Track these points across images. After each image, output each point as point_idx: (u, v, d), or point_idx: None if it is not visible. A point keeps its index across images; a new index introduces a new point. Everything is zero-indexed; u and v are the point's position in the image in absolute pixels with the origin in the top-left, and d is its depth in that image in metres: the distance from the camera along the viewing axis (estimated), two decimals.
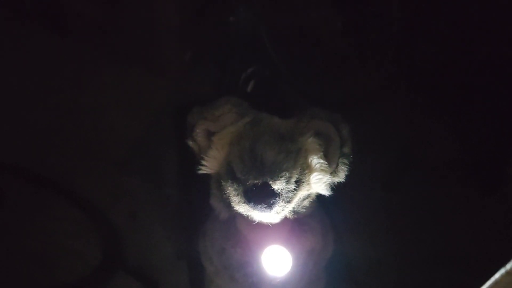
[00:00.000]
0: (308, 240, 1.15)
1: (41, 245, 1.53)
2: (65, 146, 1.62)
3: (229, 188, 1.00)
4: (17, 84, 1.62)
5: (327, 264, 1.27)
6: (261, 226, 1.04)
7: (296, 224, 1.13)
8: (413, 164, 1.64)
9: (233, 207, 1.02)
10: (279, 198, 0.97)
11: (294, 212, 1.05)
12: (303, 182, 1.01)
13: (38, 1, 1.66)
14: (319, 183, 1.03)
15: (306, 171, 1.00)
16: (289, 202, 1.00)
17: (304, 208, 1.07)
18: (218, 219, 1.11)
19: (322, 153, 1.03)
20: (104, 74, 1.67)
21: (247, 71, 1.53)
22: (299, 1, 1.66)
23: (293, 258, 1.09)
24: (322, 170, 1.02)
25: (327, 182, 1.04)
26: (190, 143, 1.08)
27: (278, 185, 0.96)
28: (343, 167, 1.05)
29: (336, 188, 1.07)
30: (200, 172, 1.06)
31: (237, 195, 0.99)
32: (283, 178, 0.96)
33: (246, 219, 1.04)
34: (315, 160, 1.01)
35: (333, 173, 1.05)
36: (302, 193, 1.03)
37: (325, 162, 1.03)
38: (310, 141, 1.01)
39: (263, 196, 0.96)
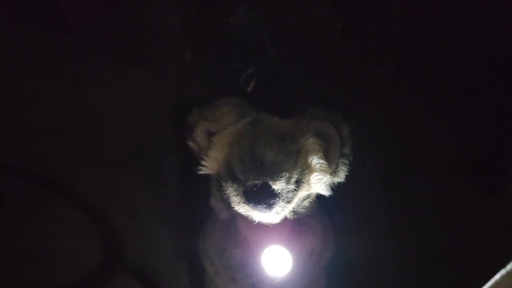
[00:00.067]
0: (308, 241, 1.16)
1: (41, 245, 1.53)
2: (65, 146, 1.62)
3: (229, 188, 1.00)
4: (17, 84, 1.61)
5: (327, 264, 1.27)
6: (261, 226, 1.05)
7: (296, 225, 1.13)
8: (414, 164, 1.64)
9: (233, 207, 1.02)
10: (279, 199, 0.97)
11: (294, 212, 1.05)
12: (303, 182, 1.01)
13: (38, 1, 1.66)
14: (319, 183, 1.03)
15: (306, 171, 1.01)
16: (289, 202, 1.00)
17: (304, 208, 1.07)
18: (218, 219, 1.11)
19: (322, 153, 1.03)
20: (104, 74, 1.67)
21: (247, 71, 1.53)
22: (299, 1, 1.66)
23: (293, 258, 1.09)
24: (322, 170, 1.02)
25: (327, 182, 1.04)
26: (190, 143, 1.08)
27: (278, 186, 0.96)
28: (343, 167, 1.05)
29: (336, 188, 1.07)
30: (200, 172, 1.06)
31: (237, 195, 0.99)
32: (283, 178, 0.96)
33: (246, 220, 1.04)
34: (315, 160, 1.01)
35: (333, 173, 1.05)
36: (302, 193, 1.03)
37: (325, 162, 1.03)
38: (310, 141, 1.01)
39: (263, 196, 0.96)
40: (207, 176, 1.08)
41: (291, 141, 0.99)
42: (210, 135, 1.06)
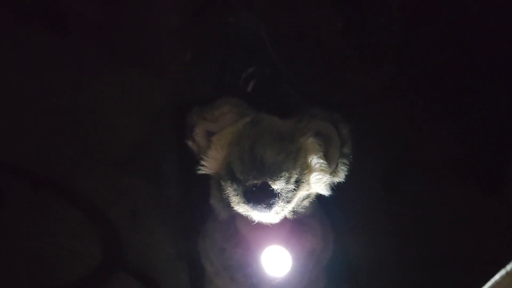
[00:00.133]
0: (308, 241, 1.16)
1: (41, 245, 1.53)
2: (65, 146, 1.62)
3: (228, 188, 1.00)
4: (17, 84, 1.61)
5: (327, 264, 1.27)
6: (260, 226, 1.05)
7: (296, 224, 1.13)
8: (414, 164, 1.64)
9: (233, 207, 1.02)
10: (279, 198, 0.97)
11: (294, 212, 1.05)
12: (303, 182, 1.01)
13: (38, 1, 1.66)
14: (319, 183, 1.03)
15: (306, 171, 1.01)
16: (288, 202, 1.00)
17: (304, 208, 1.07)
18: (218, 219, 1.11)
19: (322, 153, 1.03)
20: (104, 74, 1.67)
21: (247, 71, 1.53)
22: (299, 1, 1.66)
23: (293, 258, 1.09)
24: (322, 170, 1.02)
25: (327, 182, 1.04)
26: (190, 143, 1.08)
27: (277, 185, 0.96)
28: (343, 167, 1.05)
29: (336, 188, 1.07)
30: (200, 172, 1.06)
31: (237, 195, 0.99)
32: (282, 178, 0.96)
33: (246, 220, 1.04)
34: (315, 160, 1.01)
35: (333, 173, 1.05)
36: (302, 193, 1.03)
37: (325, 162, 1.03)
38: (310, 141, 1.01)
39: (262, 196, 0.96)
40: (206, 176, 1.08)
41: (291, 141, 0.99)
42: (209, 135, 1.06)
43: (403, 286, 1.52)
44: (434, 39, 1.59)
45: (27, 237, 1.53)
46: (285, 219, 1.06)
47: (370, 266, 1.54)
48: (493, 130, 1.60)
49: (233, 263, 1.16)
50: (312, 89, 1.61)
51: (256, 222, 1.03)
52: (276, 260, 1.09)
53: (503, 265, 0.77)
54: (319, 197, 1.09)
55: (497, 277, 0.78)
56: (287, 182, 0.97)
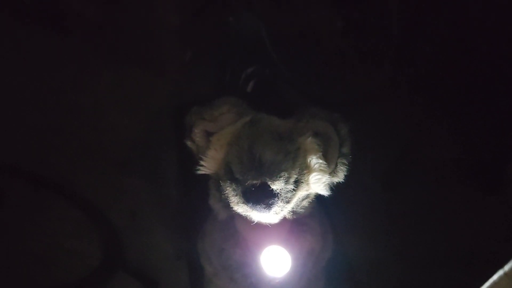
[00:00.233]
0: (307, 241, 1.16)
1: (41, 245, 1.53)
2: (65, 146, 1.62)
3: (228, 188, 1.00)
4: (17, 84, 1.61)
5: (327, 264, 1.27)
6: (260, 226, 1.04)
7: (295, 225, 1.13)
8: (413, 164, 1.64)
9: (232, 207, 1.02)
10: (278, 199, 0.97)
11: (293, 212, 1.05)
12: (302, 182, 1.01)
13: (38, 1, 1.66)
14: (318, 183, 1.03)
15: (305, 171, 1.01)
16: (288, 202, 1.00)
17: (303, 208, 1.07)
18: (217, 219, 1.11)
19: (321, 153, 1.03)
20: (104, 74, 1.67)
21: (247, 71, 1.53)
22: (299, 1, 1.66)
23: (292, 258, 1.09)
24: (321, 170, 1.02)
25: (326, 182, 1.04)
26: (189, 143, 1.08)
27: (276, 185, 0.96)
28: (342, 167, 1.05)
29: (335, 188, 1.06)
30: (199, 172, 1.06)
31: (236, 195, 0.99)
32: (281, 178, 0.96)
33: (245, 220, 1.04)
34: (314, 160, 1.01)
35: (332, 173, 1.05)
36: (301, 193, 1.03)
37: (324, 162, 1.03)
38: (309, 141, 1.01)
39: (261, 196, 0.96)
40: (206, 176, 1.08)
41: (290, 141, 0.98)
42: (208, 135, 1.06)
43: (402, 286, 1.52)
44: (434, 39, 1.59)
45: (27, 237, 1.53)
46: (284, 219, 1.06)
47: (370, 266, 1.54)
48: (493, 130, 1.59)
49: (232, 263, 1.16)
50: (311, 89, 1.61)
51: (255, 222, 1.03)
52: (275, 260, 1.08)
53: (501, 266, 0.77)
54: (318, 197, 1.08)
55: (495, 277, 0.78)
56: (286, 182, 0.97)
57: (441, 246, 1.53)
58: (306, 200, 1.06)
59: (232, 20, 1.55)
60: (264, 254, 1.09)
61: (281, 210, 1.00)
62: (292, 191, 0.99)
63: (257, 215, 1.01)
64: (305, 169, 1.00)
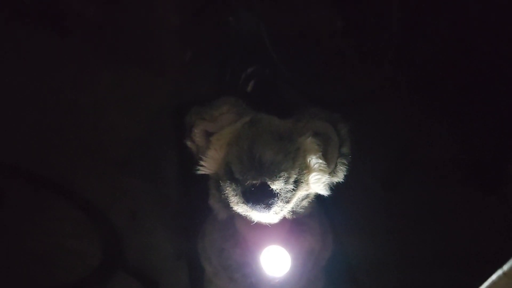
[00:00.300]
0: (307, 240, 1.15)
1: (41, 245, 1.53)
2: (65, 146, 1.62)
3: (227, 188, 1.00)
4: (17, 84, 1.62)
5: (327, 264, 1.27)
6: (259, 226, 1.04)
7: (295, 224, 1.13)
8: (413, 164, 1.64)
9: (232, 207, 1.02)
10: (278, 198, 0.97)
11: (293, 212, 1.05)
12: (301, 182, 1.01)
13: (38, 1, 1.66)
14: (318, 183, 1.03)
15: (304, 171, 1.00)
16: (287, 202, 1.00)
17: (303, 208, 1.07)
18: (217, 219, 1.11)
19: (321, 153, 1.03)
20: (104, 74, 1.67)
21: (247, 71, 1.53)
22: (299, 1, 1.66)
23: (292, 258, 1.09)
24: (321, 170, 1.02)
25: (326, 182, 1.04)
26: (189, 143, 1.08)
27: (276, 185, 0.96)
28: (341, 167, 1.05)
29: (335, 188, 1.06)
30: (199, 172, 1.06)
31: (236, 195, 0.99)
32: (281, 178, 0.95)
33: (245, 219, 1.04)
34: (314, 160, 1.01)
35: (332, 173, 1.05)
36: (301, 193, 1.03)
37: (324, 162, 1.02)
38: (309, 141, 1.01)
39: (261, 196, 0.96)
40: (206, 176, 1.08)
41: (290, 141, 0.98)
42: (208, 135, 1.06)
43: (402, 286, 1.52)
44: (434, 39, 1.59)
45: (27, 237, 1.53)
46: (284, 219, 1.05)
47: (370, 266, 1.54)
48: (492, 130, 1.60)
49: (232, 263, 1.15)
50: (311, 89, 1.61)
51: (255, 222, 1.03)
52: (275, 260, 1.08)
53: (500, 265, 0.77)
54: (318, 197, 1.08)
55: (494, 277, 0.78)
56: (286, 182, 0.97)
57: (440, 246, 1.53)
58: (306, 200, 1.06)
59: (232, 20, 1.56)
60: (264, 254, 1.08)
61: (281, 210, 1.00)
62: (292, 191, 0.99)
63: (257, 215, 1.01)
64: (305, 169, 1.00)
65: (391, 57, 1.60)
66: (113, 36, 1.68)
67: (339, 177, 1.06)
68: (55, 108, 1.64)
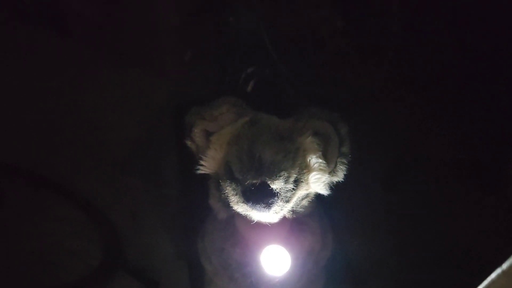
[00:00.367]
0: (307, 240, 1.15)
1: (41, 245, 1.53)
2: (65, 146, 1.62)
3: (227, 188, 1.00)
4: (17, 85, 1.62)
5: (327, 263, 1.27)
6: (260, 225, 1.04)
7: (295, 224, 1.12)
8: (413, 164, 1.64)
9: (232, 207, 1.02)
10: (278, 198, 0.97)
11: (293, 211, 1.05)
12: (301, 181, 1.00)
13: (38, 1, 1.67)
14: (317, 182, 1.03)
15: (304, 171, 1.00)
16: (287, 201, 1.00)
17: (303, 208, 1.06)
18: (217, 219, 1.11)
19: (320, 153, 1.02)
20: (104, 74, 1.67)
21: (247, 71, 1.53)
22: (299, 1, 1.66)
23: (292, 258, 1.09)
24: (320, 170, 1.02)
25: (326, 182, 1.04)
26: (189, 143, 1.08)
27: (276, 185, 0.95)
28: (341, 167, 1.05)
29: (335, 187, 1.06)
30: (199, 172, 1.06)
31: (236, 195, 0.98)
32: (281, 177, 0.95)
33: (245, 219, 1.03)
34: (314, 160, 1.00)
35: (332, 172, 1.04)
36: (301, 192, 1.03)
37: (324, 162, 1.02)
38: (309, 141, 1.01)
39: (261, 196, 0.96)
40: (206, 176, 1.08)
41: (290, 141, 0.98)
42: (208, 134, 1.06)
43: (402, 285, 1.52)
44: (434, 40, 1.59)
45: (27, 237, 1.53)
46: (284, 218, 1.05)
47: (370, 266, 1.54)
48: (492, 130, 1.60)
49: (232, 263, 1.15)
50: (311, 89, 1.61)
51: (255, 221, 1.03)
52: (275, 259, 1.08)
53: (499, 264, 0.77)
54: (318, 196, 1.08)
55: (493, 275, 0.78)
56: (286, 181, 0.97)
57: (440, 245, 1.54)
58: (306, 199, 1.06)
59: (232, 20, 1.55)
60: (264, 254, 1.08)
61: (281, 210, 1.00)
62: (291, 191, 0.99)
63: (257, 214, 1.00)
64: (305, 168, 1.00)
65: (391, 57, 1.60)
66: (113, 36, 1.68)
67: (339, 177, 1.06)
68: (55, 108, 1.64)
